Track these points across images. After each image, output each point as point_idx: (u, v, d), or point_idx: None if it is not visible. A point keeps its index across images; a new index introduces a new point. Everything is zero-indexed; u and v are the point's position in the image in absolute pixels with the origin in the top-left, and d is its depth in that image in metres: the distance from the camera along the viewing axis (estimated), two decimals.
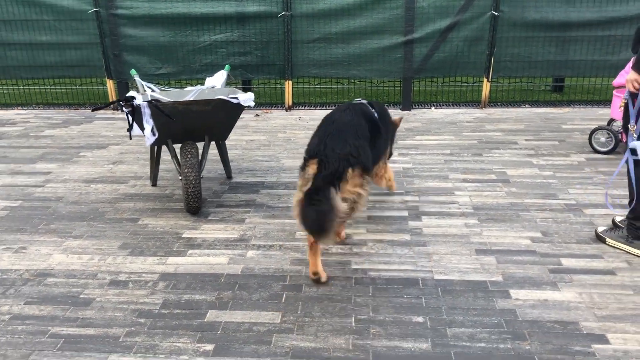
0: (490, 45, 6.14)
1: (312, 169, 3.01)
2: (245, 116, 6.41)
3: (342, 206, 2.90)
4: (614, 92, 4.90)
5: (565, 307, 2.86)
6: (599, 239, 3.50)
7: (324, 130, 3.18)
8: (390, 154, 4.10)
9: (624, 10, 5.90)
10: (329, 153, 3.00)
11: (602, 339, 2.62)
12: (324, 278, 3.08)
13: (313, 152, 3.06)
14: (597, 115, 6.10)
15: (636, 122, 3.21)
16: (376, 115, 3.54)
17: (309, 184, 2.95)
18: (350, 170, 3.00)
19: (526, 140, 5.32)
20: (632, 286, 3.03)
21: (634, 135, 3.24)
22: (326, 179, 2.92)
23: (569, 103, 6.45)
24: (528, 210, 3.92)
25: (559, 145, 5.18)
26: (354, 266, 3.26)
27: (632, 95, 3.24)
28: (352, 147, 3.05)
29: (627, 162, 3.32)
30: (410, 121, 6.02)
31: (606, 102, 6.51)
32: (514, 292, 2.99)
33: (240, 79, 6.96)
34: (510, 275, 3.15)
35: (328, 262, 3.30)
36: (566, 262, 3.27)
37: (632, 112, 3.23)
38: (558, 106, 6.38)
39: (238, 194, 4.29)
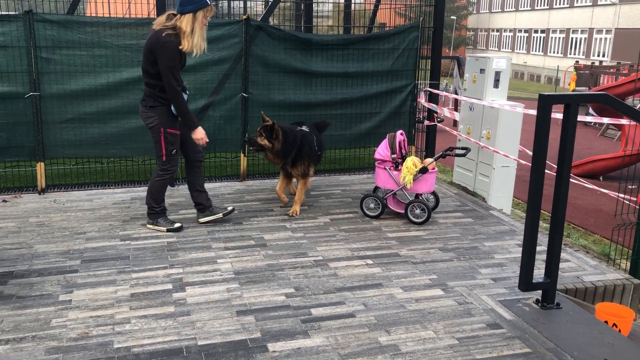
0: (243, 123, 6.70)
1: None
2: None
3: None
4: (376, 164, 5.62)
5: (315, 351, 3.23)
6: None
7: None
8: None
9: (350, 92, 7.03)
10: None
11: None
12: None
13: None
14: (339, 182, 7.00)
15: None
16: (299, 135, 5.70)
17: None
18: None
19: (281, 207, 5.86)
20: (368, 324, 3.56)
21: None
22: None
23: (315, 172, 7.28)
24: (283, 270, 4.33)
25: (309, 209, 5.83)
26: (117, 345, 3.22)
27: None
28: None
29: None
30: (174, 197, 6.16)
31: (346, 170, 7.52)
32: (271, 345, 3.27)
33: None
34: (268, 330, 3.44)
35: (88, 345, 3.21)
36: (315, 312, 3.69)
37: None
38: None
39: None
